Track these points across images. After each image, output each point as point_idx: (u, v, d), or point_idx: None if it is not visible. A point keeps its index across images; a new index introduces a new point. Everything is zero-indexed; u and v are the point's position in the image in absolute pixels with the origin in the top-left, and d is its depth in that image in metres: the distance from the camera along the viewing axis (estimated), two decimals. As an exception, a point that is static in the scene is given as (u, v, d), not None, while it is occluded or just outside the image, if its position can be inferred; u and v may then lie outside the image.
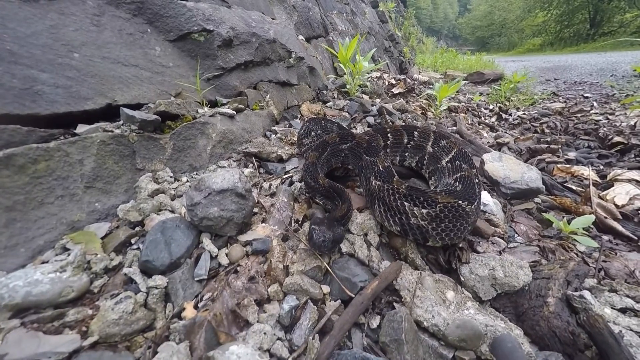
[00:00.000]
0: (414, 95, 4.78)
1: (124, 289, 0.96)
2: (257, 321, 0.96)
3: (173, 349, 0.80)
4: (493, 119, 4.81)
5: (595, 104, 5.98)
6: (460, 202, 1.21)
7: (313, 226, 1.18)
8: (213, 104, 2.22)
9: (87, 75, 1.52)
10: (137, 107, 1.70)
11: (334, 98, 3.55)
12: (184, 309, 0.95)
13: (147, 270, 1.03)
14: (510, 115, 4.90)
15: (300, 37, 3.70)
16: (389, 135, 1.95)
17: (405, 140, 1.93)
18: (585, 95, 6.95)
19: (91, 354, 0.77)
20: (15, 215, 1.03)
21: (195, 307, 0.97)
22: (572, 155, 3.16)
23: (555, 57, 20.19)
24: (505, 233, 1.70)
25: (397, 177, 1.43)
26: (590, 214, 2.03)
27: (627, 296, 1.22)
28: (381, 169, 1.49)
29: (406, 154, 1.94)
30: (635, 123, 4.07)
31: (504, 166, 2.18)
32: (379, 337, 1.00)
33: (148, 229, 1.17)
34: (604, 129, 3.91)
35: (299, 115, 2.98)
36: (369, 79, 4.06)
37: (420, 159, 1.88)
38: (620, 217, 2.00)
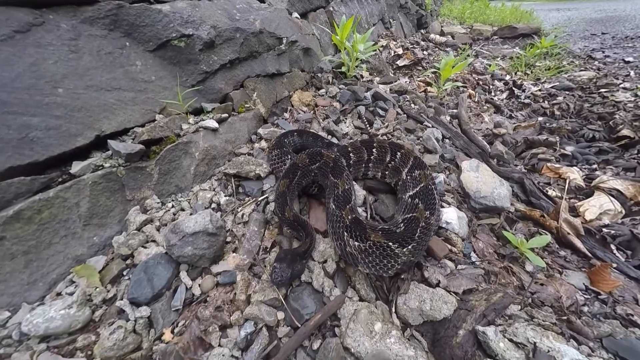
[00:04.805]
0: (420, 68, 4.50)
1: (117, 317, 1.27)
2: (219, 345, 1.26)
3: (153, 371, 1.12)
4: (503, 96, 4.52)
5: (632, 73, 5.37)
6: (390, 243, 1.37)
7: (275, 264, 1.39)
8: (198, 111, 2.31)
9: (74, 110, 1.65)
10: (123, 132, 1.85)
11: (329, 83, 3.46)
12: (163, 333, 1.26)
13: (135, 303, 1.32)
14: (523, 91, 4.56)
15: (295, 14, 3.46)
16: (374, 150, 2.02)
17: (388, 159, 2.00)
18: (627, 59, 6.17)
19: (94, 376, 1.10)
20: (31, 257, 1.31)
21: (172, 331, 1.27)
22: (569, 150, 3.07)
23: (612, 5, 17.01)
24: (460, 252, 1.86)
25: (351, 203, 1.59)
26: (555, 228, 2.13)
27: (539, 324, 1.41)
28: (340, 192, 1.65)
29: (386, 172, 2.05)
30: (660, 106, 3.74)
31: (479, 178, 2.23)
32: (316, 358, 1.29)
33: (137, 262, 1.44)
34: (620, 113, 3.64)
35: (289, 108, 3.00)
36: (371, 55, 3.83)
37: (396, 182, 1.98)
38: (583, 233, 2.09)
